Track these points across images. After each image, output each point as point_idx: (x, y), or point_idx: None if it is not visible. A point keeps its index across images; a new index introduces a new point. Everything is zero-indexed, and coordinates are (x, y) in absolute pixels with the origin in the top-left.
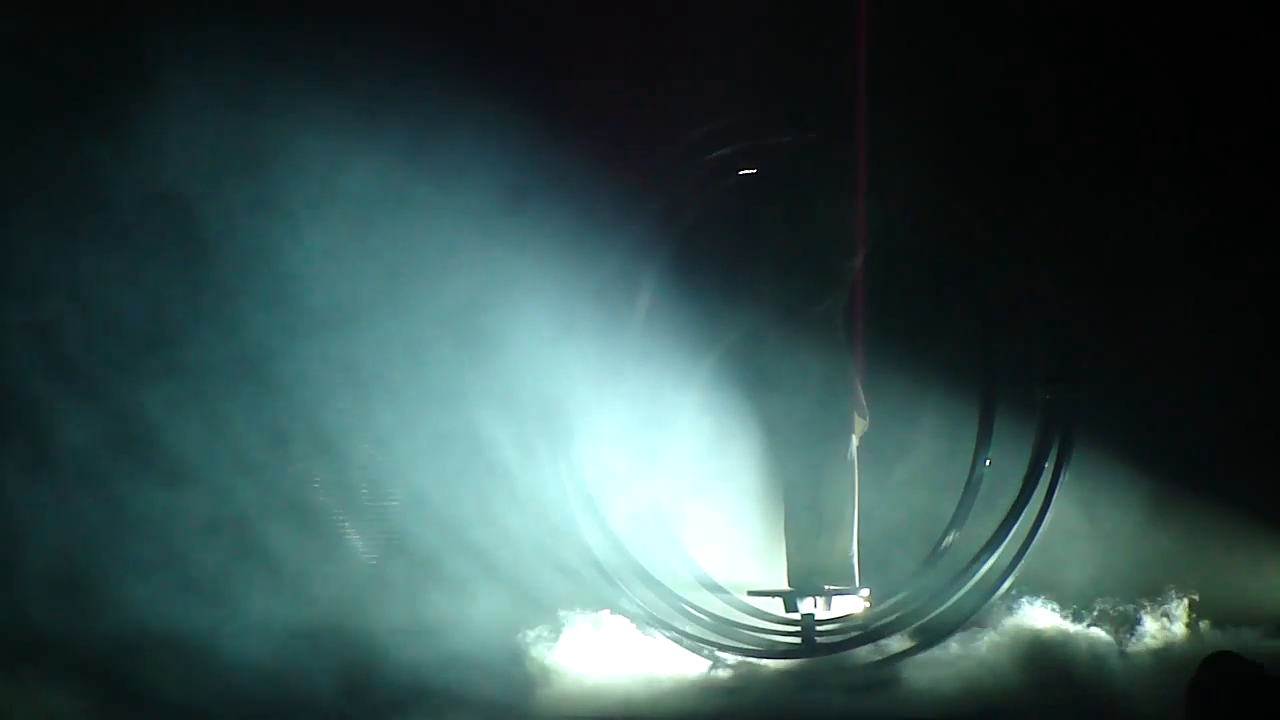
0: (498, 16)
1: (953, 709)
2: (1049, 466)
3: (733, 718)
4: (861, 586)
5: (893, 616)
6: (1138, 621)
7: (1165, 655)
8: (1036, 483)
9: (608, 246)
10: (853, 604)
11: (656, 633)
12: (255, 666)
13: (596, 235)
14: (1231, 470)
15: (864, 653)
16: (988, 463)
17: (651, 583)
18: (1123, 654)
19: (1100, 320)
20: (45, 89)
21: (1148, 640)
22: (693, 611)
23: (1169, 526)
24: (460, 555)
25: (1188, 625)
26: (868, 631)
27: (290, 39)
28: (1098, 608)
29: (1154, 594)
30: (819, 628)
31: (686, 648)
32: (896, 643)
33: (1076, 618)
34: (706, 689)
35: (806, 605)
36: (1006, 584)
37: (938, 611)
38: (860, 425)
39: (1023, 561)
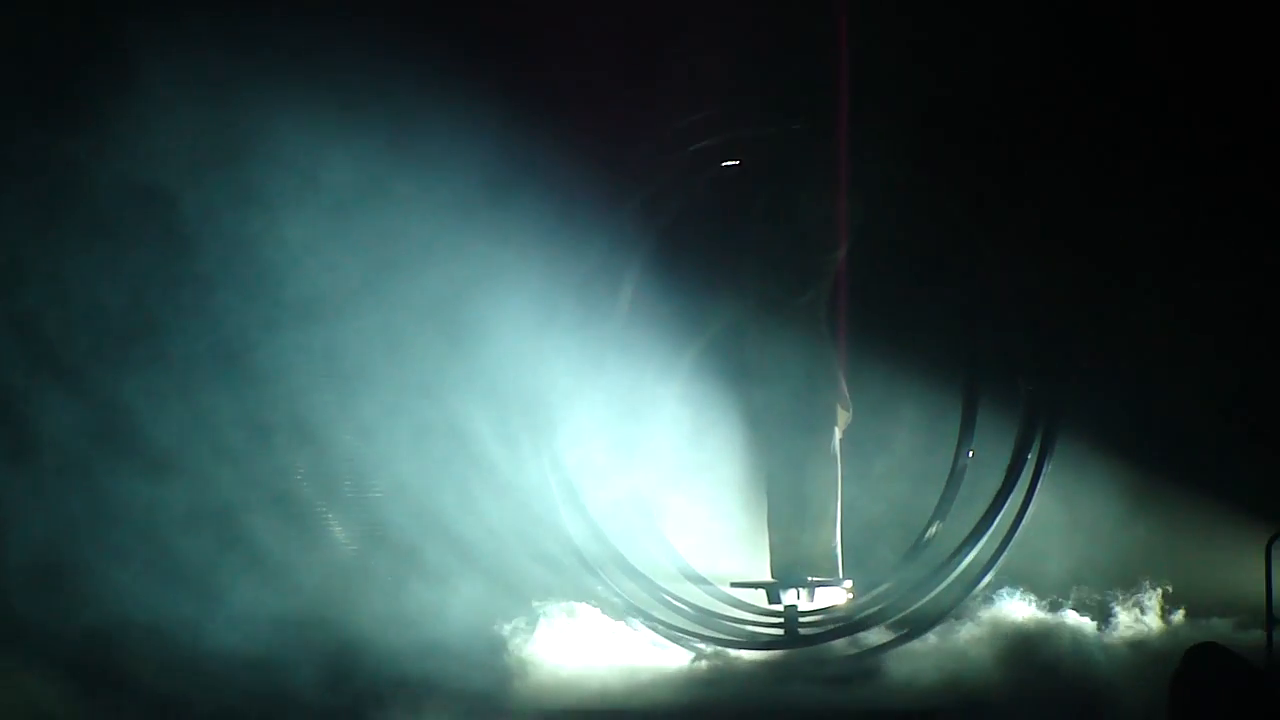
0: (480, 8)
1: (932, 700)
2: (1032, 458)
3: (711, 709)
4: (844, 578)
5: (876, 608)
6: (1111, 614)
7: (1143, 646)
8: (1019, 474)
9: (590, 239)
10: (836, 595)
11: (638, 623)
12: (237, 655)
13: (579, 227)
14: (1208, 462)
15: (844, 644)
16: (970, 454)
17: (634, 574)
18: (1102, 645)
19: (1082, 314)
20: (24, 81)
21: (1123, 631)
22: (675, 602)
23: (1146, 518)
24: (442, 546)
25: (1162, 615)
26: (851, 623)
27: (272, 31)
28: (1074, 598)
29: (1129, 585)
30: (802, 619)
31: (669, 639)
32: (876, 634)
33: (1054, 608)
34: (685, 680)
35: (790, 597)
36: (989, 576)
37: (921, 603)
38: (843, 417)
39: (1005, 553)
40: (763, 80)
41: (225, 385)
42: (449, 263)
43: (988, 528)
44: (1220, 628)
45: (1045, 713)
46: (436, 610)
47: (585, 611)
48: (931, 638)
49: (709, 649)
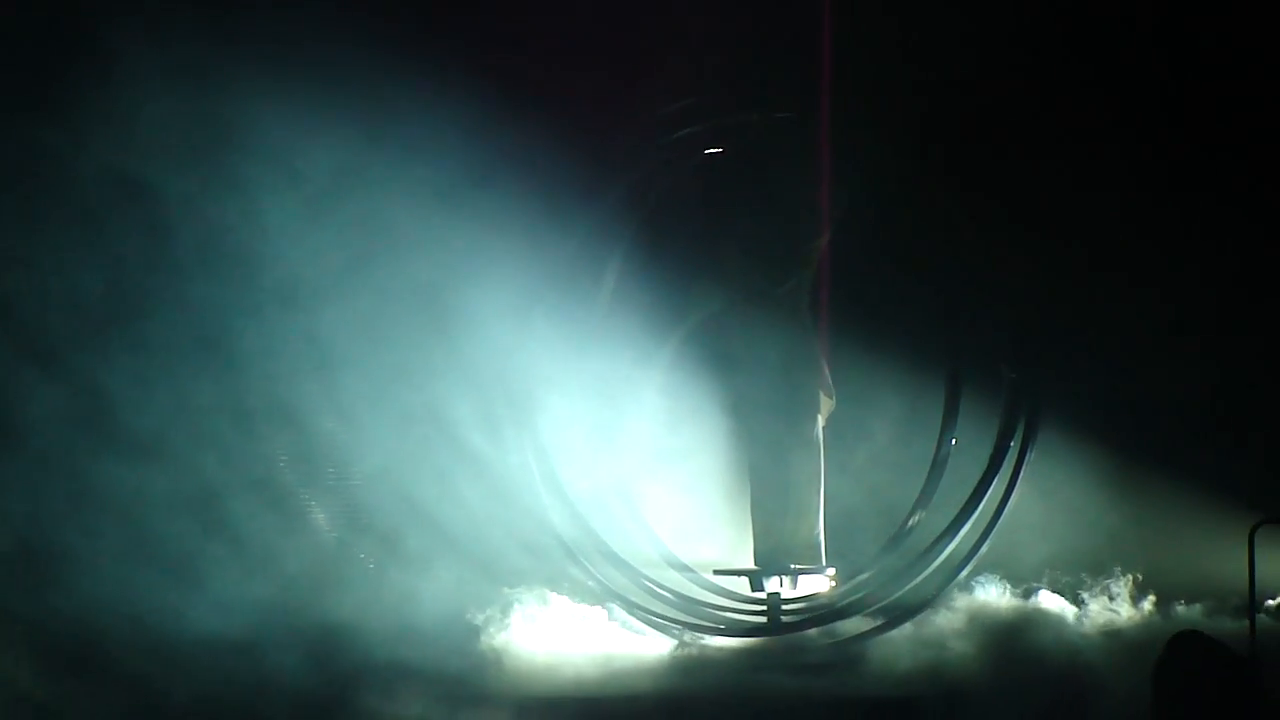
0: None
1: (912, 688)
2: (1014, 447)
3: (688, 696)
4: (827, 566)
5: (858, 595)
6: (1081, 601)
7: (1121, 634)
8: (1002, 462)
9: (572, 226)
10: (819, 583)
11: (620, 610)
12: (218, 640)
13: (561, 215)
14: (1188, 451)
15: (824, 632)
16: (953, 442)
17: (616, 561)
18: (1080, 632)
19: (1064, 303)
20: (2, 69)
21: (1104, 617)
22: (658, 590)
23: (1123, 506)
24: (423, 531)
25: (1132, 601)
26: (833, 610)
27: (253, 18)
28: (1047, 582)
29: (1101, 572)
30: (785, 607)
31: (652, 626)
32: (857, 622)
33: (1029, 595)
34: (661, 667)
35: (773, 584)
36: (972, 564)
37: (903, 591)
38: (826, 405)
39: (988, 541)
40: (745, 68)
41: (207, 372)
42: (431, 250)
43: (971, 515)
44: (1196, 615)
45: (1024, 699)
46: (417, 596)
47: (561, 598)
48: (909, 626)
49: (690, 636)
